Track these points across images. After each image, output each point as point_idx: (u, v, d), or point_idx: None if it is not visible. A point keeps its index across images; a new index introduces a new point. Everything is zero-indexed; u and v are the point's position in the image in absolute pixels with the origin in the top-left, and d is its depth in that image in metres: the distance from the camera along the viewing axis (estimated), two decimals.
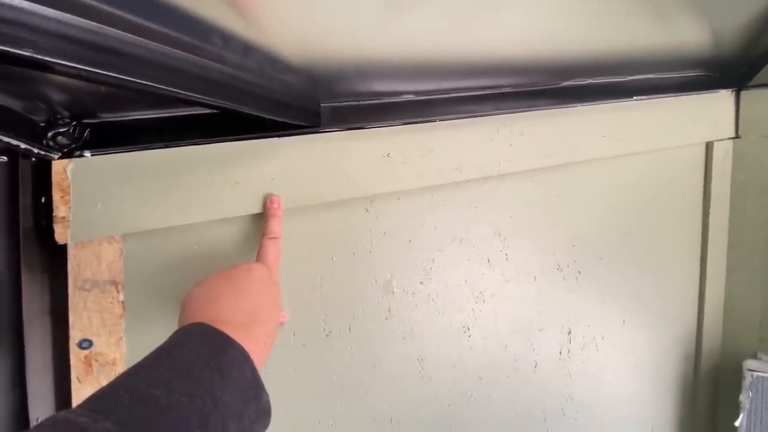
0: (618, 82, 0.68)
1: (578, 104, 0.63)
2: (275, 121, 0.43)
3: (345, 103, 0.52)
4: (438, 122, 0.54)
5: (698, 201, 0.75)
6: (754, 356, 0.73)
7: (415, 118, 0.52)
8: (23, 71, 0.35)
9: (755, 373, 0.67)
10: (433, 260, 0.58)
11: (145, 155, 0.43)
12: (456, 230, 0.58)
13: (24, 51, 0.23)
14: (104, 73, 0.28)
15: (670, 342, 0.76)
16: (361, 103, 0.52)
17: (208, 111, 0.45)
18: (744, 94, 0.74)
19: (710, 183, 0.74)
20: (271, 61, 0.45)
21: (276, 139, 0.47)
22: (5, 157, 0.40)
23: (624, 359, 0.72)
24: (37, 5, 0.24)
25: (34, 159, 0.41)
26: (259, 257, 0.44)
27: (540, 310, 0.64)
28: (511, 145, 0.58)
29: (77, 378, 0.44)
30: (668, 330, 0.75)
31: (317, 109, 0.49)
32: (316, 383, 0.52)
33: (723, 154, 0.75)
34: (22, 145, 0.36)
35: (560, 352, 0.66)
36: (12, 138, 0.37)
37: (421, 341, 0.57)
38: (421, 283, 0.58)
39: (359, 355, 0.54)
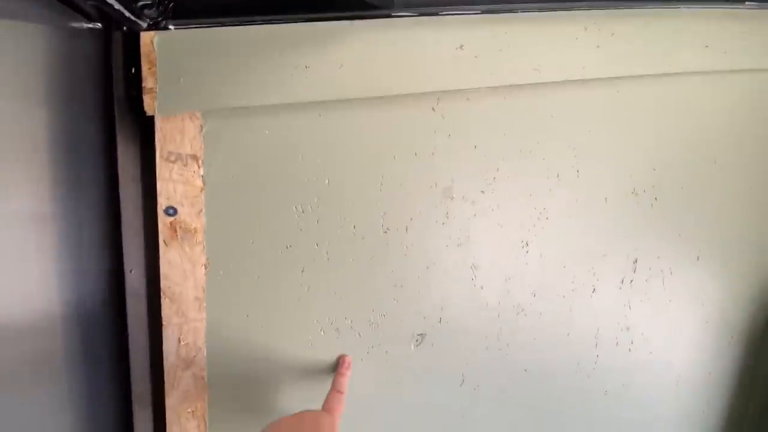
0: None
1: (681, 5, 0.55)
2: None
3: None
4: (519, 14, 0.49)
5: None
6: None
7: (494, 6, 0.48)
8: None
9: None
10: (498, 169, 0.56)
11: (224, 31, 0.44)
12: (526, 139, 0.55)
13: None
14: None
15: (746, 287, 0.70)
16: None
17: None
18: None
19: None
20: None
21: (347, 22, 0.46)
22: (100, 24, 0.43)
23: (691, 298, 0.67)
24: None
25: (125, 29, 0.43)
26: (326, 407, 0.48)
27: (607, 235, 0.61)
28: (598, 47, 0.52)
29: (164, 241, 0.49)
30: (745, 274, 0.69)
31: None
32: (373, 274, 0.54)
33: None
34: (116, 5, 0.38)
35: (622, 281, 0.63)
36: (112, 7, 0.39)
37: (476, 250, 0.57)
38: (482, 192, 0.56)
39: (414, 254, 0.55)
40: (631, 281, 0.64)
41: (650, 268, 0.64)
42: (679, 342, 0.70)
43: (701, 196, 0.64)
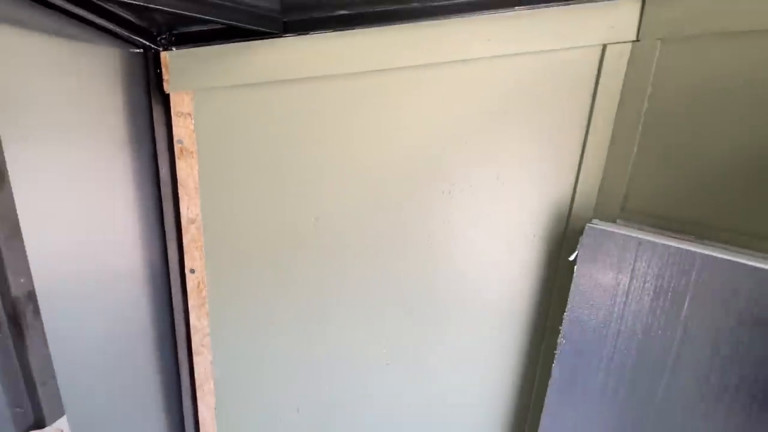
0: None
1: (470, 15, 0.88)
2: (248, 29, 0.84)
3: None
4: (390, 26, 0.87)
5: (588, 94, 0.94)
6: (614, 222, 0.97)
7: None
8: (147, 7, 0.81)
9: (591, 225, 0.93)
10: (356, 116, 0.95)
11: (200, 50, 0.89)
12: (386, 107, 0.94)
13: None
14: (171, 10, 0.71)
15: (544, 202, 1.02)
16: None
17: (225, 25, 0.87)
18: None
19: (600, 79, 0.92)
20: None
21: (264, 41, 0.88)
22: (141, 49, 0.89)
23: (499, 207, 1.02)
24: None
25: (153, 51, 0.89)
26: None
27: (428, 163, 0.98)
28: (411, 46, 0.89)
29: (177, 156, 0.97)
30: (542, 193, 1.01)
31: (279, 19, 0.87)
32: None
33: (618, 55, 0.91)
34: (148, 44, 0.84)
35: (442, 192, 1.00)
36: (145, 40, 0.85)
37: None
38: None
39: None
40: (450, 192, 1.00)
41: (464, 188, 1.00)
42: (493, 241, 1.05)
43: (500, 137, 0.97)
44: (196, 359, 1.08)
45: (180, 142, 0.95)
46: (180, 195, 0.98)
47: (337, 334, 1.08)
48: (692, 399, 0.79)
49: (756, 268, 0.70)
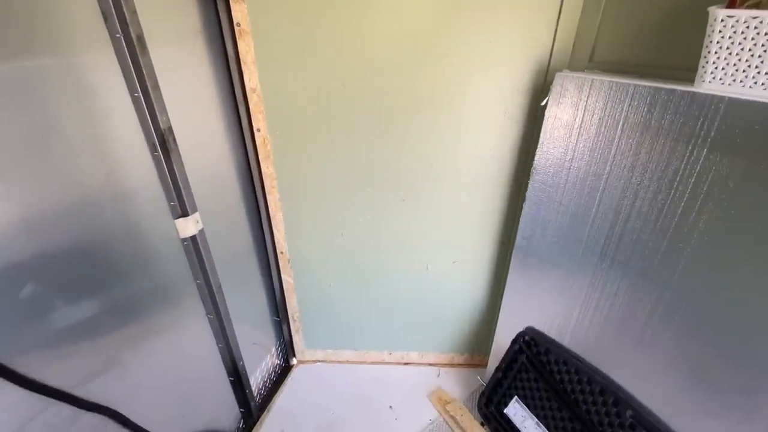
0: None
1: None
2: None
3: None
4: None
5: None
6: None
7: None
8: None
9: (559, 73, 1.17)
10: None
11: None
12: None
13: None
14: None
15: (530, 59, 1.25)
16: None
17: None
18: None
19: None
20: None
21: None
22: None
23: (491, 66, 1.26)
24: None
25: None
26: None
27: (431, 33, 1.22)
28: None
29: (237, 38, 1.27)
30: (528, 51, 1.23)
31: None
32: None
33: None
34: None
35: (442, 55, 1.25)
36: None
37: None
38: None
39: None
40: (449, 55, 1.25)
41: (460, 52, 1.24)
42: (487, 96, 1.30)
43: (489, 7, 1.17)
44: (268, 197, 1.52)
45: (238, 25, 1.25)
46: (243, 69, 1.31)
47: (366, 177, 1.45)
48: (620, 195, 1.10)
49: (670, 90, 0.95)
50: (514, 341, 1.49)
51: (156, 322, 1.13)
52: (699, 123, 0.89)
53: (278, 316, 1.83)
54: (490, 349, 1.66)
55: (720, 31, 0.80)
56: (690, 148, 0.91)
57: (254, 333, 1.68)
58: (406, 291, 1.69)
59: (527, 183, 1.31)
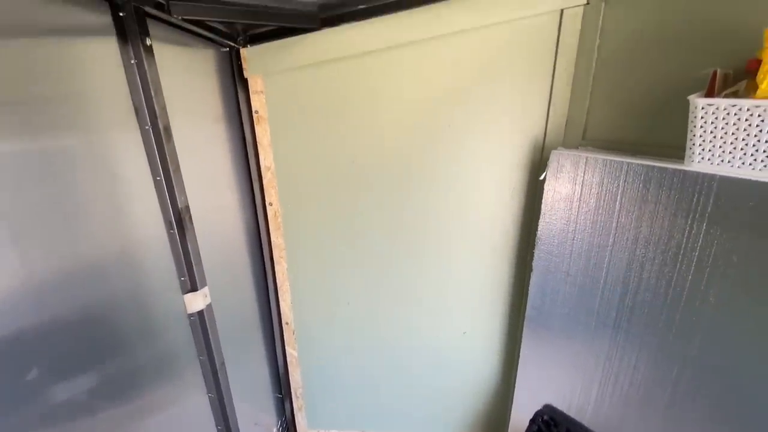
0: None
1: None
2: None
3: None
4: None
5: (553, 50, 1.22)
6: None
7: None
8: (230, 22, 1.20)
9: (554, 151, 1.24)
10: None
11: (266, 45, 1.27)
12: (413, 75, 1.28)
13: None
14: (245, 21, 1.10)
15: (525, 136, 1.33)
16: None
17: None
18: None
19: (560, 37, 1.20)
20: None
21: (305, 35, 1.24)
22: (227, 48, 1.29)
23: (489, 143, 1.34)
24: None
25: (235, 48, 1.29)
26: None
27: (433, 110, 1.32)
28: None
29: (255, 121, 1.38)
30: (523, 128, 1.32)
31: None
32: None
33: (573, 16, 1.17)
34: (232, 44, 1.24)
35: (445, 126, 1.34)
36: (229, 41, 1.25)
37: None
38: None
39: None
40: (450, 125, 1.34)
41: (459, 126, 1.33)
42: (485, 157, 1.37)
43: (486, 88, 1.28)
44: (276, 267, 1.54)
45: (256, 112, 1.36)
46: (259, 150, 1.40)
47: (373, 248, 1.48)
48: (626, 266, 1.10)
49: (662, 168, 1.00)
50: (532, 421, 1.40)
51: (155, 399, 1.09)
52: (695, 199, 0.92)
53: (281, 393, 1.76)
54: (507, 427, 1.56)
55: (702, 117, 0.86)
56: (689, 221, 0.94)
57: (255, 411, 1.60)
58: (415, 365, 1.63)
59: (533, 253, 1.32)
